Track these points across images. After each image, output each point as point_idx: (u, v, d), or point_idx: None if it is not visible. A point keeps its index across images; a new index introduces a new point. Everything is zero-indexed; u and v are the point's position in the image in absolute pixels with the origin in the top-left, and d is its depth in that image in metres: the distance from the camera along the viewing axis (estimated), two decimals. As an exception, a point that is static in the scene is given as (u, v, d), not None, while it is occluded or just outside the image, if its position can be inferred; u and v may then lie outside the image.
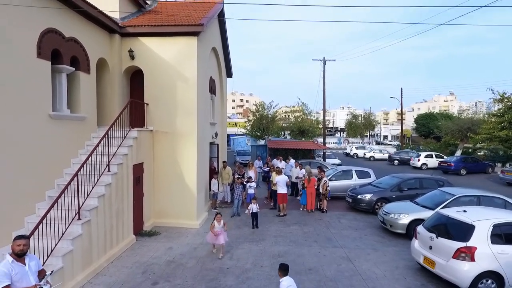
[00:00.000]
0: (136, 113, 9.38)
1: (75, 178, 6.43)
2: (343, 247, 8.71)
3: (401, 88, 40.48)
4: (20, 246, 3.90)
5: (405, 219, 9.18)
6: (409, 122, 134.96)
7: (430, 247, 6.55)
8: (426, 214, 8.77)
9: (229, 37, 16.12)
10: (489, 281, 5.79)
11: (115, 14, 9.89)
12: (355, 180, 14.62)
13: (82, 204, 6.56)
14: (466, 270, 5.79)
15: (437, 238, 6.42)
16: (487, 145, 27.86)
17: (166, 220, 10.05)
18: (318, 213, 12.24)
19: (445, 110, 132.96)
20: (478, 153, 31.27)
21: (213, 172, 12.94)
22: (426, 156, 29.30)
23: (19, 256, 3.93)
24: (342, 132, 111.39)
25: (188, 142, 10.00)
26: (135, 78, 10.51)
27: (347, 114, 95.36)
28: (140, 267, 7.16)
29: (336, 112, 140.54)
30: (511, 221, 6.21)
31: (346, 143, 79.05)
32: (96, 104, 9.10)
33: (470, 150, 32.53)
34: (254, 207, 9.94)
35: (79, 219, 6.41)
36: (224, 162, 13.77)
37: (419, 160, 29.09)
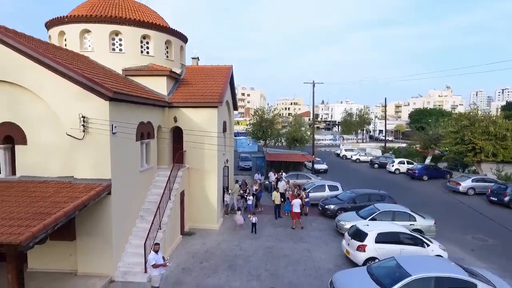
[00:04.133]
0: (179, 156, 14.89)
1: (158, 207, 12.00)
2: (308, 242, 14.33)
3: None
4: (157, 247, 9.52)
5: (347, 225, 14.73)
6: (405, 116, 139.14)
7: (348, 244, 12.16)
8: (361, 222, 14.32)
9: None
10: (371, 262, 11.38)
11: (163, 90, 15.33)
12: (327, 192, 20.23)
13: (160, 219, 12.13)
14: (361, 256, 11.40)
15: (351, 239, 12.02)
16: (447, 156, 33.29)
17: (197, 225, 15.65)
18: (302, 217, 17.76)
19: (439, 105, 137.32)
20: (442, 162, 36.62)
21: (225, 189, 18.51)
22: (399, 163, 34.84)
23: (156, 252, 9.52)
24: (339, 126, 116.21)
25: (211, 175, 15.55)
26: (175, 132, 15.97)
27: (343, 112, 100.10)
28: (190, 254, 12.78)
29: (335, 107, 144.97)
30: (388, 231, 11.78)
31: (341, 140, 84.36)
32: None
33: (443, 157, 37.55)
34: (254, 219, 15.49)
35: (160, 228, 11.99)
36: (236, 182, 19.36)
37: (393, 166, 34.66)
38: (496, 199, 21.37)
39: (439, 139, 34.74)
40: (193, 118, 15.38)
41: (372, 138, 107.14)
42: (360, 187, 21.84)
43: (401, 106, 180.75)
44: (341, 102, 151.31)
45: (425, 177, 30.32)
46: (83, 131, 9.95)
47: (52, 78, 9.88)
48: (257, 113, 48.96)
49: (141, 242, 11.13)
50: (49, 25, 16.11)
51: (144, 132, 12.95)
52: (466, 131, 27.88)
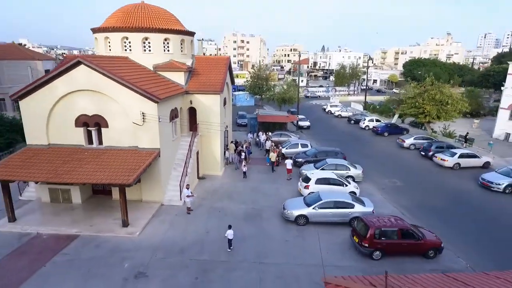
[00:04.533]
0: (194, 128, 22.16)
1: (185, 160, 19.61)
2: (279, 184, 22.27)
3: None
4: (188, 186, 17.35)
5: (305, 173, 22.47)
6: (401, 65, 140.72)
7: (300, 185, 20.05)
8: (311, 171, 22.01)
9: None
10: (313, 193, 19.30)
11: (181, 81, 22.04)
12: (299, 149, 27.81)
13: (186, 169, 19.82)
14: (306, 192, 19.31)
15: (302, 182, 19.87)
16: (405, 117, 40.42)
17: (207, 172, 23.45)
18: (277, 168, 25.48)
19: (435, 55, 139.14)
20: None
21: (225, 147, 26.04)
22: (369, 120, 42.01)
23: (188, 188, 17.34)
24: (333, 78, 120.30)
25: (215, 139, 22.99)
26: (191, 111, 22.97)
27: (337, 64, 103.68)
28: (204, 190, 20.75)
29: (333, 55, 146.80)
30: (324, 177, 19.58)
31: (334, 92, 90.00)
32: (178, 126, 21.85)
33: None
34: (244, 168, 23.21)
35: (186, 175, 19.73)
36: (231, 142, 26.81)
37: (363, 123, 41.95)
38: (424, 154, 29.10)
39: (402, 101, 41.42)
40: (203, 101, 22.33)
41: (364, 89, 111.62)
42: (332, 142, 29.57)
43: (399, 54, 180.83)
44: (340, 50, 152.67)
45: (386, 134, 37.78)
46: (142, 120, 17.12)
47: (124, 90, 16.75)
48: (253, 68, 54.73)
49: (177, 183, 18.99)
50: (96, 31, 22.17)
51: (173, 114, 20.05)
52: (419, 97, 34.65)
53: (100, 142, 18.07)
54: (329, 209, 16.23)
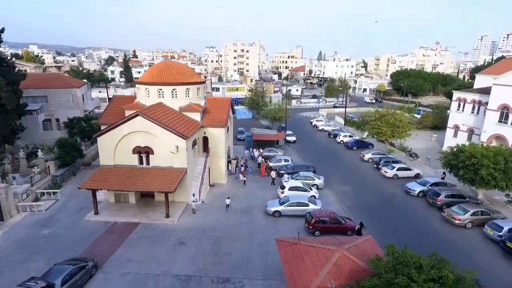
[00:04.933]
0: (207, 150, 31.99)
1: (202, 174, 29.45)
2: (266, 190, 32.08)
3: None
4: (194, 194, 27.14)
5: (284, 183, 32.21)
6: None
7: (279, 191, 29.88)
8: (287, 181, 31.76)
9: None
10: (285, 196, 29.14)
11: (198, 118, 31.86)
12: (282, 163, 37.55)
13: (203, 180, 29.61)
14: (282, 196, 29.15)
15: (280, 189, 29.70)
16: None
17: (215, 181, 33.29)
18: (267, 177, 35.25)
19: (422, 65, 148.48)
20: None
21: (228, 162, 35.82)
22: (343, 136, 51.80)
23: (193, 196, 27.14)
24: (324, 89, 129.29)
25: (222, 157, 32.86)
26: (205, 138, 32.78)
27: (327, 80, 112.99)
28: (214, 194, 30.59)
29: (327, 64, 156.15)
30: (294, 185, 29.40)
31: (324, 102, 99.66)
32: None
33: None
34: (243, 178, 33.03)
35: (203, 184, 29.53)
36: (233, 158, 36.66)
37: (339, 138, 51.78)
38: (376, 166, 38.93)
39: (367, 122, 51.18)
40: (212, 132, 32.20)
41: (345, 105, 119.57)
42: (310, 155, 39.55)
43: (391, 62, 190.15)
44: (334, 59, 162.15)
45: (355, 148, 47.59)
46: (176, 150, 26.92)
47: (165, 131, 26.57)
48: (251, 85, 64.73)
49: (196, 190, 28.81)
50: (139, 83, 31.97)
51: (194, 143, 29.87)
52: (378, 121, 44.52)
53: (148, 163, 27.89)
54: (294, 206, 26.08)
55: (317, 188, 31.21)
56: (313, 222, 23.23)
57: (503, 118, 36.24)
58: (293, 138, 51.05)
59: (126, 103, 31.97)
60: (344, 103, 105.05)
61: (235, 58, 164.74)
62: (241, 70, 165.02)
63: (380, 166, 37.92)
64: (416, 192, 30.87)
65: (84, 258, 19.57)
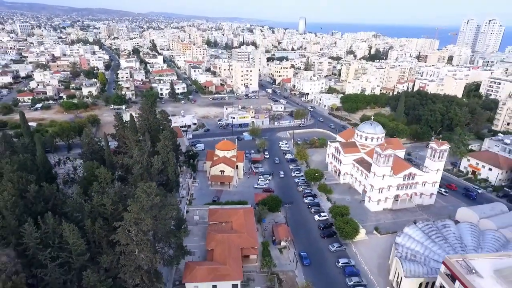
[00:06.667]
0: (237, 167, 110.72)
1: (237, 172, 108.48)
2: (254, 179, 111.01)
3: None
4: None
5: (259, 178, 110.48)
6: (349, 90, 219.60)
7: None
8: (264, 176, 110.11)
9: None
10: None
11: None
12: (260, 169, 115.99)
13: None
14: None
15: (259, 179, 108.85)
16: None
17: (239, 176, 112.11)
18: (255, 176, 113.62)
19: (364, 88, 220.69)
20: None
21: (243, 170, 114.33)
22: (289, 154, 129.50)
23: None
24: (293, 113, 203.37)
25: (241, 170, 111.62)
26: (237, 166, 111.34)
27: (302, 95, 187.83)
28: (241, 179, 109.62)
29: (304, 83, 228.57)
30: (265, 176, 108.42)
31: (293, 122, 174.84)
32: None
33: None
34: (247, 175, 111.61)
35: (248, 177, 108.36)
36: (249, 168, 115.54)
37: (287, 156, 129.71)
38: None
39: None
40: (240, 165, 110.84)
41: (322, 122, 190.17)
42: (272, 164, 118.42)
43: (360, 71, 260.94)
44: (310, 79, 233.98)
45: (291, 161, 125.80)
46: (235, 170, 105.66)
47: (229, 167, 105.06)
48: (252, 128, 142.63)
49: (236, 178, 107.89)
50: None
51: (236, 166, 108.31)
52: (300, 147, 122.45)
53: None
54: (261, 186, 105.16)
55: (270, 176, 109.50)
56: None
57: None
58: (267, 156, 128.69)
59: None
60: (305, 123, 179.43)
61: (242, 76, 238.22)
62: (246, 83, 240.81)
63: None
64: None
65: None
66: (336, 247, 76.03)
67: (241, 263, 64.61)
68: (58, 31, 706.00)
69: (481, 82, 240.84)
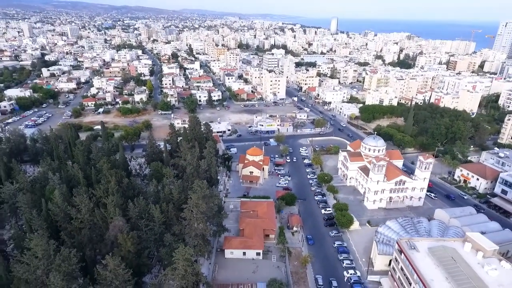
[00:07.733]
0: (264, 170, 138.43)
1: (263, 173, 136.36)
2: (276, 179, 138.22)
3: None
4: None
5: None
6: (369, 100, 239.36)
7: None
8: (284, 177, 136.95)
9: None
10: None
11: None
12: (282, 172, 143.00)
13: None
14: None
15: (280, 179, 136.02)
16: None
17: (264, 176, 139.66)
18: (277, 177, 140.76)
19: (382, 99, 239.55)
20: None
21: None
22: (308, 159, 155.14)
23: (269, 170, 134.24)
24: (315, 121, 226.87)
25: (266, 171, 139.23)
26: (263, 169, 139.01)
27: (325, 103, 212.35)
28: (266, 178, 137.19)
29: (327, 93, 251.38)
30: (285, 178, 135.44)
31: (314, 131, 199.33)
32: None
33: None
34: (272, 175, 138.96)
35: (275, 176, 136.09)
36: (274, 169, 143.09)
37: (306, 161, 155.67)
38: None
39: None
40: (265, 168, 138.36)
41: (341, 130, 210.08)
42: (292, 168, 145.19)
43: (382, 80, 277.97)
44: (333, 89, 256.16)
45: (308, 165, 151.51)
46: (262, 172, 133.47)
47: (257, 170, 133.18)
48: (276, 135, 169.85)
49: (262, 177, 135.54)
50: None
51: (263, 169, 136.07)
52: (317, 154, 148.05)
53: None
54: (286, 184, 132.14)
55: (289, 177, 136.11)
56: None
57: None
58: (288, 160, 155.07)
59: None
60: (325, 131, 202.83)
61: (271, 85, 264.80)
62: (274, 92, 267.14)
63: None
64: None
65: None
66: (335, 233, 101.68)
67: (263, 239, 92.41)
68: (102, 32, 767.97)
69: (501, 93, 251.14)
